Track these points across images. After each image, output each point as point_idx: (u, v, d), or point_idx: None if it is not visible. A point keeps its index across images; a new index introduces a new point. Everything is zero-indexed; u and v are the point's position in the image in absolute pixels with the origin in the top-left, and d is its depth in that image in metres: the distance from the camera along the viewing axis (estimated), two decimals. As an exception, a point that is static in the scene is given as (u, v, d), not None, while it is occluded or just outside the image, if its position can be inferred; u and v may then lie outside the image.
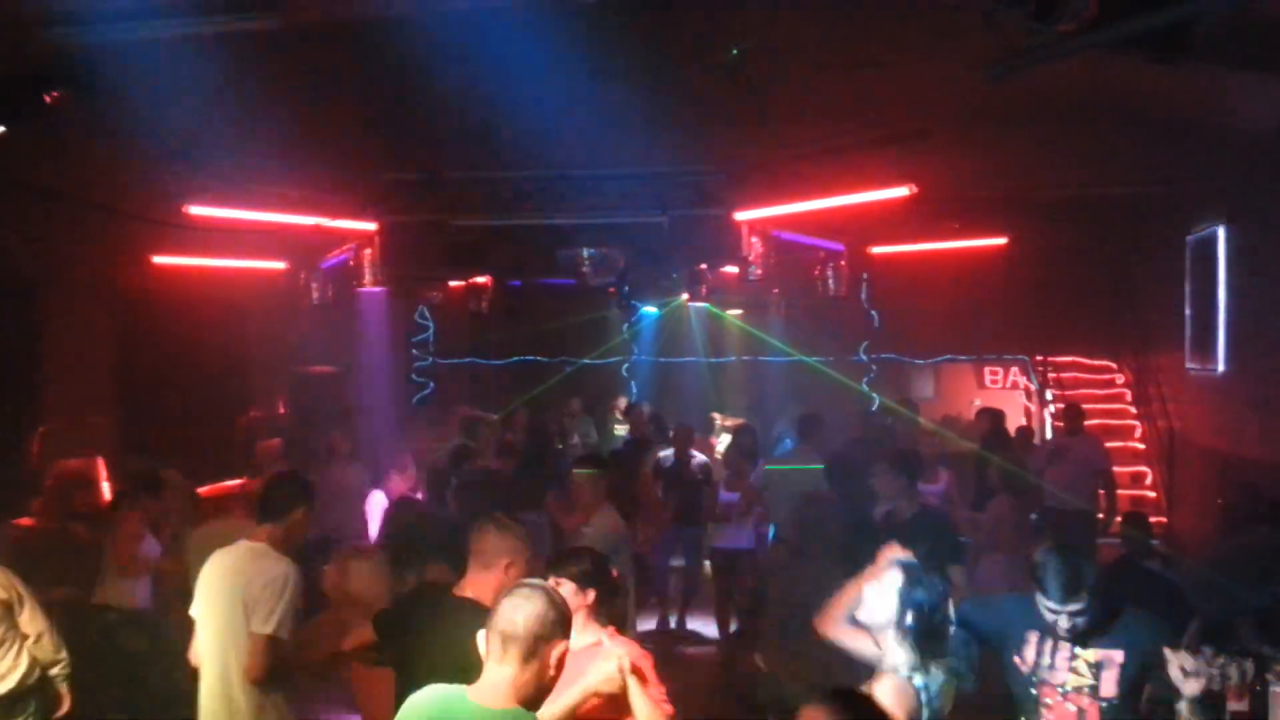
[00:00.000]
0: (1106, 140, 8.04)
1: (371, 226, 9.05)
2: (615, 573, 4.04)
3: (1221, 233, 9.16)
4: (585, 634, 3.56)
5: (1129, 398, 12.42)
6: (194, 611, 4.35)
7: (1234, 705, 4.74)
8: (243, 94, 6.33)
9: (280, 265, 10.21)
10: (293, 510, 4.28)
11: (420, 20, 5.31)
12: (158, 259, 9.35)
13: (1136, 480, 11.44)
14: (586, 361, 14.32)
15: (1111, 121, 7.37)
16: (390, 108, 6.92)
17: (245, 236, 9.14)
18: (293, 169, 8.17)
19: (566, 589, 3.46)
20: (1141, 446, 11.78)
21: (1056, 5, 3.70)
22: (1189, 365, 10.17)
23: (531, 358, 14.55)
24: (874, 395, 12.85)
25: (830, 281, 11.17)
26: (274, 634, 4.05)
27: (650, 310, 14.87)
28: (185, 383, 10.09)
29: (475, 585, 3.81)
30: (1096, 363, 13.04)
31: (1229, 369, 9.15)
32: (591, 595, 3.65)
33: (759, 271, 9.03)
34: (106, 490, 7.98)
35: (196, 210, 8.03)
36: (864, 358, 13.33)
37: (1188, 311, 10.09)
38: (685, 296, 13.11)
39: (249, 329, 11.44)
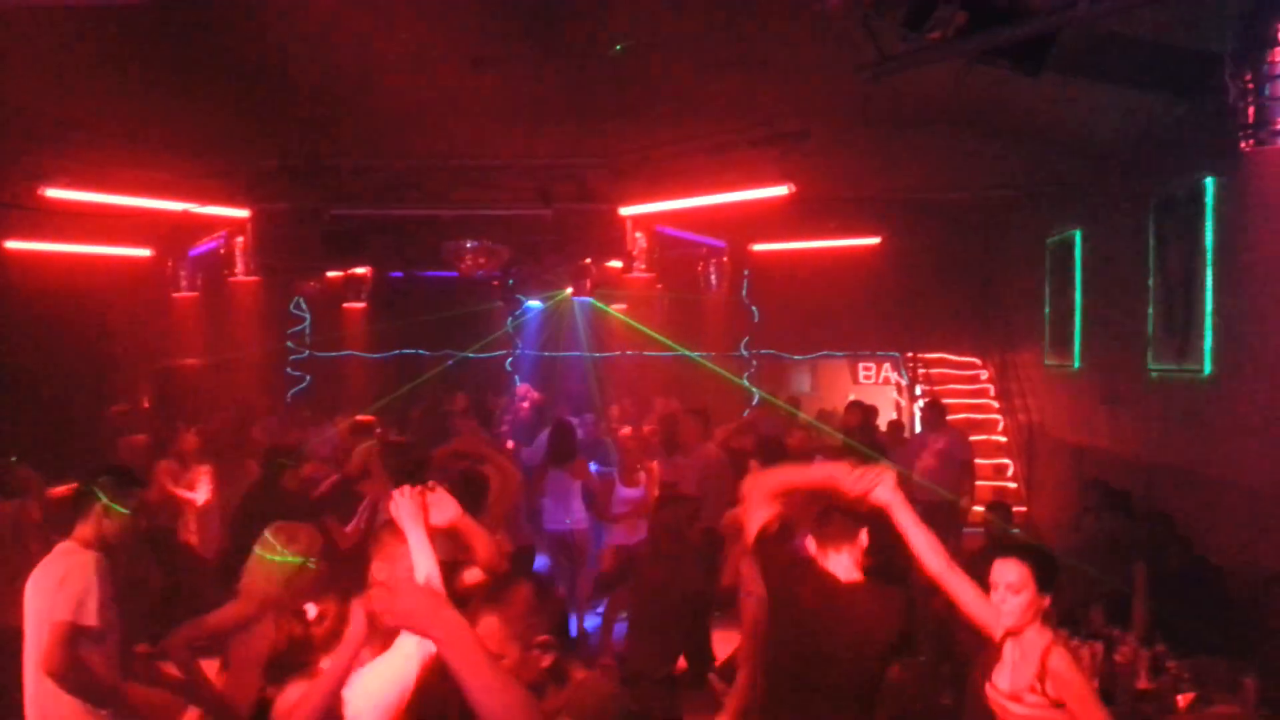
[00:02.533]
0: (973, 145, 8.42)
1: (244, 213, 8.74)
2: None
3: (1078, 236, 9.68)
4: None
5: (992, 393, 13.00)
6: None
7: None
8: (106, 72, 6.04)
9: (145, 253, 9.76)
10: (90, 505, 4.12)
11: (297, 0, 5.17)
12: (10, 244, 8.83)
13: (999, 471, 11.98)
14: (470, 355, 14.16)
15: (978, 128, 7.72)
16: (265, 90, 6.71)
17: (107, 222, 8.71)
18: (160, 152, 7.83)
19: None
20: (1004, 439, 12.34)
21: (927, 14, 3.86)
22: (1047, 362, 10.72)
23: (413, 351, 14.30)
24: (754, 390, 13.11)
25: (713, 278, 11.37)
26: (73, 620, 3.85)
27: (534, 304, 14.82)
28: (41, 377, 9.54)
29: None
30: (963, 359, 13.60)
31: (1083, 365, 9.69)
32: None
33: (643, 267, 9.10)
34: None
35: (53, 193, 7.61)
36: (745, 353, 13.58)
37: (1047, 311, 10.63)
38: (570, 290, 13.10)
39: (111, 320, 10.91)
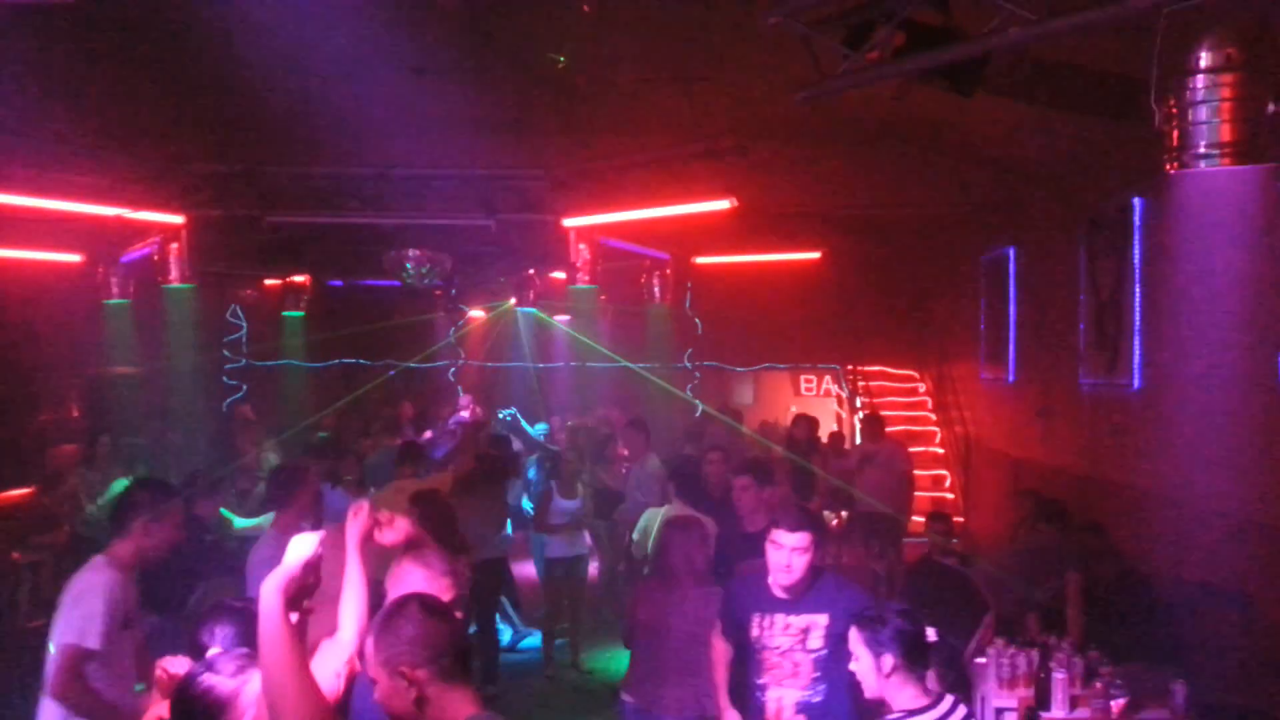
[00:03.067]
0: (911, 164, 8.58)
1: (179, 219, 8.55)
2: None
3: (1011, 254, 9.90)
4: None
5: (930, 405, 13.22)
6: None
7: (1022, 691, 5.14)
8: (36, 71, 5.89)
9: (75, 258, 9.49)
10: (130, 520, 3.99)
11: (238, 3, 5.10)
12: (-69, 248, 8.52)
13: (936, 482, 12.18)
14: (412, 365, 14.01)
15: (916, 147, 7.87)
16: (203, 95, 6.60)
17: (35, 225, 8.45)
18: (92, 155, 7.64)
19: None
20: (941, 451, 12.55)
21: (866, 34, 3.93)
22: (983, 375, 10.93)
23: (353, 360, 14.10)
24: (697, 402, 13.16)
25: (656, 289, 11.42)
26: (76, 644, 3.76)
27: (477, 313, 14.74)
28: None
29: None
30: (901, 372, 13.81)
31: (1017, 379, 9.90)
32: None
33: (586, 278, 9.09)
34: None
35: (-23, 195, 7.37)
36: (688, 364, 13.63)
37: (982, 326, 10.84)
38: (513, 301, 13.05)
39: (39, 327, 10.58)
